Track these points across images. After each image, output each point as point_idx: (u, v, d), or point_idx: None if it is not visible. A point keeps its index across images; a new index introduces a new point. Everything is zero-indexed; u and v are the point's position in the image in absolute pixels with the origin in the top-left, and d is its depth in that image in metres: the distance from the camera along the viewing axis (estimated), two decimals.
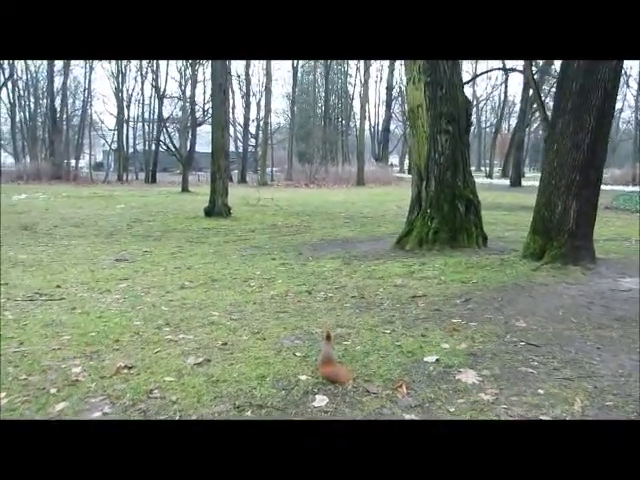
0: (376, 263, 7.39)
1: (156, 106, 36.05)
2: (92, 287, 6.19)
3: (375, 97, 65.25)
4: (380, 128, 51.47)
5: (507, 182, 35.44)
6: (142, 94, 42.52)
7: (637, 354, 3.72)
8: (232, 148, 45.02)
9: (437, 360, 3.58)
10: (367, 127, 47.68)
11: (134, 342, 4.07)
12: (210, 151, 15.50)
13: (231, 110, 43.56)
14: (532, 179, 40.14)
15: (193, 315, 4.84)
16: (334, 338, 3.72)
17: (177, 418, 2.10)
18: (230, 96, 42.95)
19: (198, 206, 16.36)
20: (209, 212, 14.74)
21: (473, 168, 8.08)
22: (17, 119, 44.16)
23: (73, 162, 43.09)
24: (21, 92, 44.00)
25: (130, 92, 43.15)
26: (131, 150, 44.07)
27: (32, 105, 44.27)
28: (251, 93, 43.54)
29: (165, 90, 36.01)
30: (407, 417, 2.59)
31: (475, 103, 49.93)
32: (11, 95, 42.90)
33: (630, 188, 26.37)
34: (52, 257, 8.29)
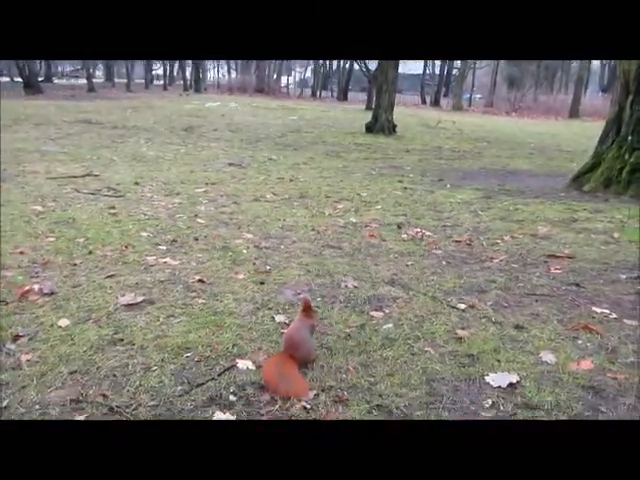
0: (527, 202, 5.28)
1: None
2: (169, 188, 5.38)
3: None
4: None
5: None
6: None
7: None
8: (429, 70, 42.01)
9: (511, 385, 1.82)
10: None
11: (104, 258, 3.03)
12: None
13: None
14: None
15: (219, 235, 3.62)
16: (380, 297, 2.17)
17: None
18: None
19: None
20: (370, 128, 13.26)
21: None
22: None
23: (280, 78, 44.47)
24: None
25: None
26: (335, 68, 43.85)
27: None
28: None
29: None
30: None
31: None
32: None
33: None
34: (175, 156, 7.80)
